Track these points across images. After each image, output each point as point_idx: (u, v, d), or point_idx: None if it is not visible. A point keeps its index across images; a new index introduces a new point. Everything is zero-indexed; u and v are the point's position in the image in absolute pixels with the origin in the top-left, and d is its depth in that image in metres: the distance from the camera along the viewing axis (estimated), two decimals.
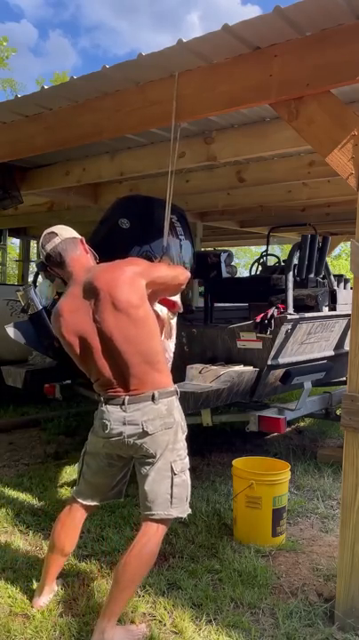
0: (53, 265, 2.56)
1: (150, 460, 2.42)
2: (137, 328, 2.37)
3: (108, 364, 2.42)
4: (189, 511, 2.50)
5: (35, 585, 2.75)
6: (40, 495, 4.01)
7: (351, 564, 2.47)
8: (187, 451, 2.51)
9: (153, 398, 2.38)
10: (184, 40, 2.60)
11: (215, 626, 2.47)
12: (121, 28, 74.81)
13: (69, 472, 4.53)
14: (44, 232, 2.58)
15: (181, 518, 2.49)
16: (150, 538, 2.38)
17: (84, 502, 2.63)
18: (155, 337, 2.47)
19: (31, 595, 2.68)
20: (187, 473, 2.49)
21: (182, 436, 2.49)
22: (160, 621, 2.51)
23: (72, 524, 2.64)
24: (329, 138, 2.53)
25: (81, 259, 2.55)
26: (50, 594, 2.65)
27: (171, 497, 2.39)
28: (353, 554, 2.47)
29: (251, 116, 3.67)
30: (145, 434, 2.38)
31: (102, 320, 2.37)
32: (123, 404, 2.39)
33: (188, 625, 2.46)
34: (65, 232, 2.58)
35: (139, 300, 2.39)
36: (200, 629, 2.45)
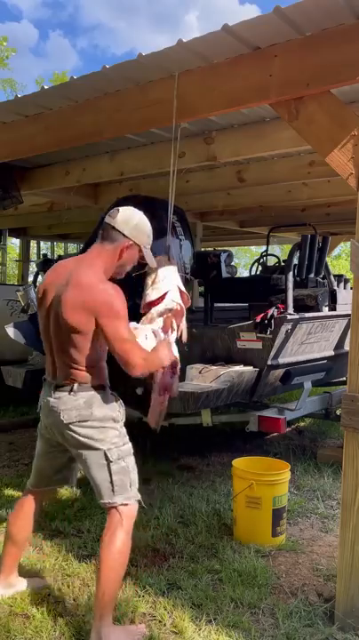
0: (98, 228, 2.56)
1: (79, 452, 2.43)
2: (71, 342, 2.37)
3: (49, 347, 2.49)
4: (139, 497, 2.45)
5: None
6: None
7: (351, 564, 2.47)
8: (126, 438, 2.47)
9: (71, 390, 2.40)
10: (184, 40, 2.60)
11: (215, 626, 2.47)
12: (119, 29, 74.91)
13: None
14: (120, 208, 2.54)
15: (126, 504, 2.39)
16: (116, 527, 2.36)
17: (32, 488, 2.69)
18: (86, 351, 2.38)
19: (31, 594, 2.68)
20: (129, 459, 2.45)
21: (114, 424, 2.43)
22: (160, 621, 2.51)
23: (22, 511, 2.69)
24: (329, 138, 2.53)
25: (101, 254, 2.46)
26: (8, 588, 2.65)
27: (112, 484, 2.38)
28: (353, 554, 2.47)
29: (251, 115, 3.67)
30: (61, 422, 2.40)
31: (55, 314, 2.39)
32: (51, 389, 2.46)
33: (188, 625, 2.46)
34: (126, 223, 2.48)
35: (85, 330, 2.33)
36: (200, 629, 2.45)
